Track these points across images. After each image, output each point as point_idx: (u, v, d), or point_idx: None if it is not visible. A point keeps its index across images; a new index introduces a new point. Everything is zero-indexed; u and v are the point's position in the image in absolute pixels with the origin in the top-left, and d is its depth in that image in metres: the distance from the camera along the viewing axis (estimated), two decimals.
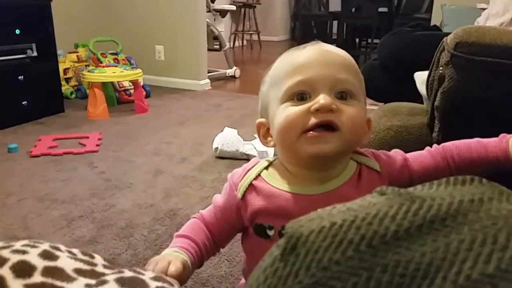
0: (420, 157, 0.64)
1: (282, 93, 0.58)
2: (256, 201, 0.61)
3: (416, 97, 1.07)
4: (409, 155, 0.65)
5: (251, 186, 0.62)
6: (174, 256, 0.59)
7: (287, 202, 0.59)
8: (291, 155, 0.60)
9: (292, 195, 0.59)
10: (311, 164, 0.59)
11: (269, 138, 0.63)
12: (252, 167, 0.64)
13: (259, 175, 0.63)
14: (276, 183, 0.61)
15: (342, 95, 0.57)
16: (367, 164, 0.61)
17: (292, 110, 0.56)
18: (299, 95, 0.56)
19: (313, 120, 0.54)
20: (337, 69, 0.57)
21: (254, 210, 0.61)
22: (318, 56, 0.58)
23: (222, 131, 2.02)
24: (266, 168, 0.64)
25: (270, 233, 0.61)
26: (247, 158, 1.87)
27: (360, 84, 0.61)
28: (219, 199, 0.67)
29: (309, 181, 0.60)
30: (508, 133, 0.65)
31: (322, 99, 0.54)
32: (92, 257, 0.46)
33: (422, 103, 1.05)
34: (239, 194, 0.62)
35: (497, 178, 0.31)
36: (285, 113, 0.56)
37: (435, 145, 0.66)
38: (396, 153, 0.65)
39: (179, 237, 0.65)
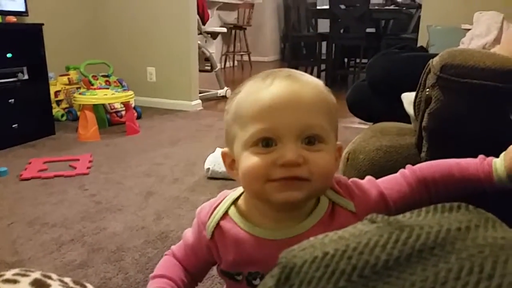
0: (396, 186, 0.61)
1: (246, 137, 0.54)
2: (223, 245, 0.60)
3: (404, 116, 1.09)
4: (384, 184, 0.62)
5: (218, 226, 0.60)
6: None
7: (254, 248, 0.57)
8: (258, 198, 0.57)
9: (260, 240, 0.57)
10: (280, 207, 0.56)
11: (235, 171, 0.59)
12: (220, 203, 0.62)
13: (226, 212, 0.61)
14: (244, 225, 0.59)
15: (310, 140, 0.53)
16: (341, 205, 0.58)
17: (256, 161, 0.52)
18: (264, 141, 0.53)
19: (278, 174, 0.52)
20: (306, 112, 0.53)
21: (222, 254, 0.61)
22: (286, 97, 0.53)
23: (213, 151, 2.02)
24: (234, 203, 0.61)
25: (238, 278, 0.60)
26: None
27: (331, 122, 0.57)
28: (188, 236, 0.66)
29: (277, 221, 0.58)
30: (494, 152, 0.66)
31: (288, 152, 0.51)
32: (84, 286, 0.45)
33: (410, 122, 1.07)
34: (208, 235, 0.61)
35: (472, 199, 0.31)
36: (249, 161, 0.53)
37: (409, 167, 0.64)
38: (371, 185, 0.61)
39: (155, 278, 0.63)
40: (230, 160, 0.60)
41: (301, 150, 0.52)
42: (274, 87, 0.54)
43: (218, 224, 0.60)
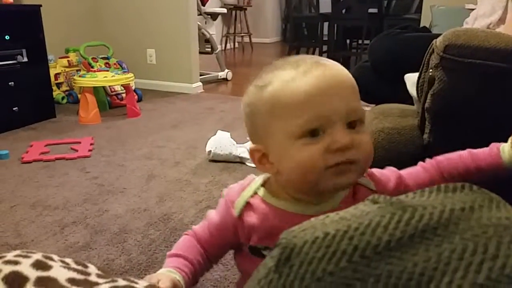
0: (414, 173, 0.64)
1: (292, 128, 0.53)
2: (252, 220, 0.61)
3: (407, 98, 1.08)
4: (403, 172, 0.64)
5: (247, 204, 0.62)
6: (165, 275, 0.58)
7: (282, 221, 0.58)
8: (308, 189, 0.57)
9: (288, 214, 0.59)
10: (326, 193, 0.58)
11: (267, 165, 0.59)
12: (248, 184, 0.64)
13: (255, 193, 0.62)
14: (272, 201, 0.60)
15: (352, 123, 0.54)
16: (362, 183, 0.61)
17: (311, 151, 0.53)
18: (311, 132, 0.53)
19: (334, 160, 0.53)
20: (349, 96, 0.54)
21: (250, 229, 0.61)
22: (328, 83, 0.53)
23: (215, 134, 2.02)
24: (263, 185, 0.63)
25: (266, 253, 0.60)
26: (240, 161, 1.87)
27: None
28: (214, 215, 0.66)
29: (305, 202, 0.59)
30: (497, 132, 0.65)
31: (340, 137, 0.52)
32: (86, 266, 0.45)
33: (413, 104, 1.06)
34: (236, 213, 0.62)
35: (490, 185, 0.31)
36: (302, 153, 0.53)
37: (428, 160, 0.66)
38: (390, 171, 0.64)
39: (172, 257, 0.63)
40: (259, 155, 0.59)
41: (350, 134, 0.53)
42: (312, 74, 0.53)
43: (247, 202, 0.61)
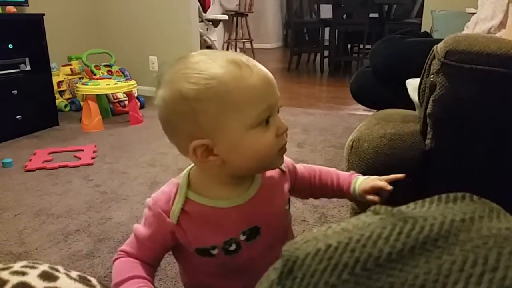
0: (302, 170, 0.80)
1: (247, 120, 0.59)
2: (192, 225, 0.64)
3: (408, 103, 1.08)
4: (300, 167, 0.80)
5: (183, 211, 0.64)
6: None
7: (220, 217, 0.64)
8: (254, 171, 0.67)
9: (222, 210, 0.64)
10: (250, 174, 0.68)
11: (211, 157, 0.61)
12: (176, 191, 0.65)
13: (186, 197, 0.65)
14: (205, 201, 0.64)
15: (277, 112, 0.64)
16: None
17: (269, 136, 0.61)
18: (266, 120, 0.61)
19: (282, 142, 0.63)
20: (277, 90, 0.64)
21: (194, 234, 0.64)
22: (269, 80, 0.62)
23: None
24: (188, 187, 0.66)
25: (214, 252, 0.64)
26: None
27: None
28: (142, 230, 0.67)
29: (231, 189, 0.66)
30: (498, 137, 0.66)
31: (283, 122, 0.63)
32: (89, 280, 0.46)
33: (415, 109, 1.06)
34: (173, 220, 0.64)
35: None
36: (262, 139, 0.60)
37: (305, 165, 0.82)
38: (291, 165, 0.78)
39: (126, 281, 0.62)
40: (202, 150, 0.60)
41: None
42: (255, 72, 0.61)
43: (182, 209, 0.64)
